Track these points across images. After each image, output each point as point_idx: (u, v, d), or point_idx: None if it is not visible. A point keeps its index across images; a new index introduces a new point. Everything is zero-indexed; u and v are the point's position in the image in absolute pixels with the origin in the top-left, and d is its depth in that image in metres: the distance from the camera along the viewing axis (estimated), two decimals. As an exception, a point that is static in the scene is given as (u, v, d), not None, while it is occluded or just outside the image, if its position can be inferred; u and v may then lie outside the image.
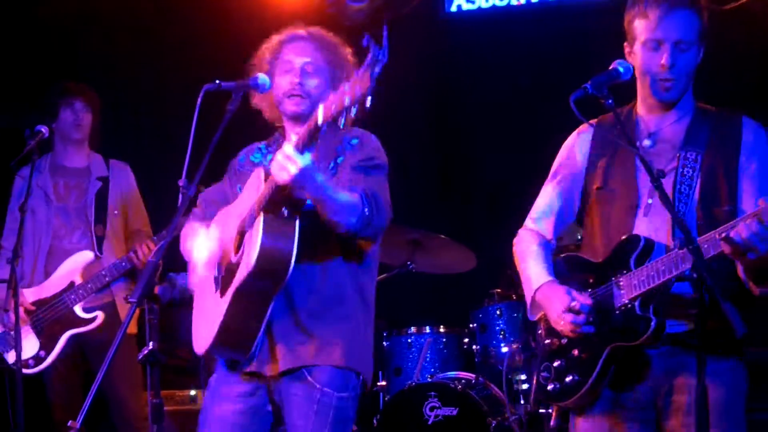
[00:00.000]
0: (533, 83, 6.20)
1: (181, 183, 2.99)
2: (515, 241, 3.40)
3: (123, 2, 6.47)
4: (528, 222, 3.38)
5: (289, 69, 3.40)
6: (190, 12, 6.43)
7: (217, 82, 3.19)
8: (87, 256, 5.00)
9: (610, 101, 2.90)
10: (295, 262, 3.09)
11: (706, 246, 2.76)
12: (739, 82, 5.77)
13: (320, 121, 2.83)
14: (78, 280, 4.95)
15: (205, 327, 3.31)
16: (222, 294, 3.24)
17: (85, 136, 5.17)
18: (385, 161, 3.39)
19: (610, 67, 2.99)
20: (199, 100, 3.10)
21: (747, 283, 2.92)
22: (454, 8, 6.42)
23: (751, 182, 3.00)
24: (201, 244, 3.35)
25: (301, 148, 2.95)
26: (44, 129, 4.64)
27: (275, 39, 3.50)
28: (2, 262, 4.86)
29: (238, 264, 3.18)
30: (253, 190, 3.23)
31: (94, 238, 5.04)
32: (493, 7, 6.35)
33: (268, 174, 3.13)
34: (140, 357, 2.96)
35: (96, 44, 6.75)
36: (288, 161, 2.96)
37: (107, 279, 4.93)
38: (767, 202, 2.68)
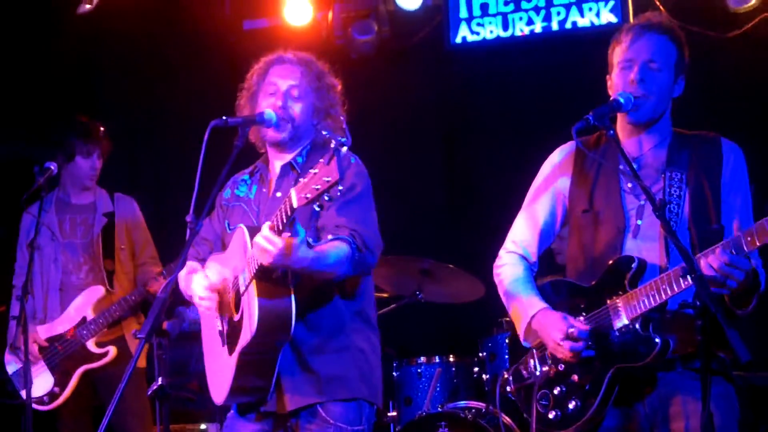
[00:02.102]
0: (538, 112, 6.22)
1: (188, 218, 2.99)
2: (498, 263, 3.35)
3: (137, 35, 6.54)
4: (510, 244, 3.34)
5: (273, 92, 3.36)
6: (202, 46, 6.50)
7: (224, 118, 3.19)
8: (99, 291, 5.01)
9: (611, 132, 2.95)
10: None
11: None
12: (747, 108, 5.78)
13: (295, 204, 2.78)
14: (90, 315, 4.97)
15: (218, 380, 3.30)
16: (230, 351, 3.22)
17: (96, 180, 5.20)
18: (366, 184, 3.32)
19: (611, 99, 3.04)
20: (206, 136, 3.10)
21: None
22: (459, 40, 6.45)
23: (732, 203, 3.04)
24: (199, 295, 3.30)
25: (279, 230, 2.92)
26: (53, 166, 4.64)
27: (263, 61, 3.46)
28: (14, 300, 4.89)
29: (240, 324, 3.15)
30: (239, 249, 3.19)
31: (104, 273, 5.05)
32: (498, 38, 6.39)
33: (251, 231, 3.09)
34: (150, 392, 2.97)
35: (109, 77, 6.82)
36: (267, 243, 2.94)
37: (118, 314, 4.95)
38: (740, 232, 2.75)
